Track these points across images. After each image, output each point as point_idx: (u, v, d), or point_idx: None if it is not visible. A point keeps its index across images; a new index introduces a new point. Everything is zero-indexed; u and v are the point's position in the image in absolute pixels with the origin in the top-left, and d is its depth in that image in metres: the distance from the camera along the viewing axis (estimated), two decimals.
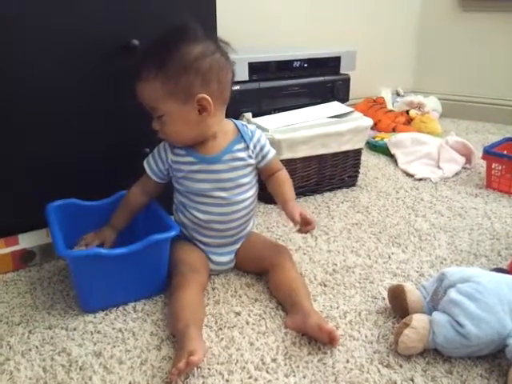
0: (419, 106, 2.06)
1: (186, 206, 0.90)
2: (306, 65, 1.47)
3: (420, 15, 2.37)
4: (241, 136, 0.89)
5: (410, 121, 1.97)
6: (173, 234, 0.80)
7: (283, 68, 1.43)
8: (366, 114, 1.97)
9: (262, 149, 0.91)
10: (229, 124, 0.90)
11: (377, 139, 1.78)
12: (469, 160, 1.61)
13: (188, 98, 0.80)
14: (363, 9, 2.12)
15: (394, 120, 1.94)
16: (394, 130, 1.89)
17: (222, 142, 0.88)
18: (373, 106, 2.04)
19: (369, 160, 1.68)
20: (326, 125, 1.33)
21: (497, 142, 1.54)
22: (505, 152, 1.53)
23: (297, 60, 1.45)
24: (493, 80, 2.28)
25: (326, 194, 1.38)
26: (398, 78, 2.38)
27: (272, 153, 0.93)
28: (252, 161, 0.90)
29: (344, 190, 1.42)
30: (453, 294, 0.74)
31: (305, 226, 0.86)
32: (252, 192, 0.92)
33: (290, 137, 1.26)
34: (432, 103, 2.16)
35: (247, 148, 0.89)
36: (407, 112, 2.02)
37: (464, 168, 1.60)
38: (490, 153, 1.45)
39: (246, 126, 0.91)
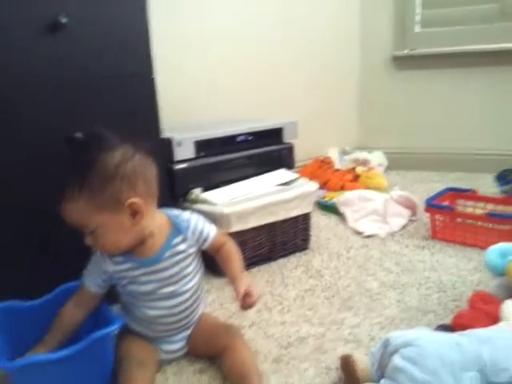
0: (365, 163, 2.17)
1: (133, 305, 0.90)
2: (250, 138, 1.54)
3: (359, 76, 2.54)
4: (177, 228, 0.89)
5: (356, 178, 2.06)
6: (114, 328, 0.79)
7: (229, 143, 1.50)
8: (316, 174, 2.07)
9: (201, 233, 0.91)
10: (162, 217, 0.90)
11: (326, 199, 1.85)
12: (414, 212, 1.69)
13: (118, 207, 0.79)
14: (305, 75, 2.26)
15: (341, 178, 2.03)
16: (342, 189, 1.96)
17: (160, 238, 0.87)
18: (321, 166, 2.13)
19: (320, 220, 1.73)
20: (273, 193, 1.39)
21: (438, 193, 1.63)
22: (446, 202, 1.62)
23: (241, 134, 1.52)
24: (431, 131, 2.44)
25: (280, 261, 1.41)
26: (344, 137, 2.51)
27: (213, 232, 0.94)
28: (193, 249, 0.91)
29: (297, 254, 1.45)
30: (396, 360, 0.77)
31: (247, 298, 0.86)
32: (197, 278, 0.93)
33: (239, 209, 1.30)
34: (377, 158, 2.27)
35: (186, 239, 0.89)
36: (354, 169, 2.12)
37: (411, 220, 1.67)
38: (431, 205, 1.54)
39: (179, 216, 0.91)
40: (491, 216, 1.41)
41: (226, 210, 1.28)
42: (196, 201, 1.34)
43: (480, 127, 2.33)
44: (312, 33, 2.25)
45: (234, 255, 0.95)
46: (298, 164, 1.99)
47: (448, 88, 2.38)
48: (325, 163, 2.16)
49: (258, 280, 1.29)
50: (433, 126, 2.44)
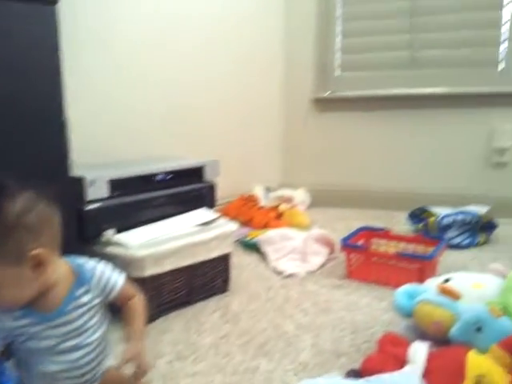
0: (289, 200, 2.21)
1: (31, 361, 0.82)
2: (169, 176, 1.51)
3: (282, 117, 2.63)
4: (80, 278, 0.83)
5: (280, 215, 2.09)
6: None
7: (146, 182, 1.46)
8: (240, 211, 2.08)
9: (106, 284, 0.86)
10: (65, 266, 0.83)
11: (249, 237, 1.85)
12: (332, 250, 1.73)
13: (20, 259, 0.72)
14: (230, 114, 2.29)
15: (266, 216, 2.05)
16: (266, 226, 1.98)
17: (62, 290, 0.81)
18: (246, 204, 2.14)
19: (242, 260, 1.72)
20: (192, 234, 1.36)
21: (353, 233, 1.69)
22: (361, 242, 1.68)
23: (160, 173, 1.49)
24: (350, 169, 2.56)
25: (198, 305, 1.37)
26: (269, 175, 2.56)
27: (120, 282, 0.87)
28: (97, 300, 0.85)
29: (217, 296, 1.42)
30: None
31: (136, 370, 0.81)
32: (102, 330, 0.86)
33: (154, 251, 1.25)
34: (300, 196, 2.33)
35: (89, 290, 0.84)
36: (278, 206, 2.15)
37: (329, 259, 1.71)
38: (346, 245, 1.58)
39: (84, 265, 0.85)
40: (401, 255, 1.48)
41: (140, 253, 1.23)
42: (108, 243, 1.27)
43: (394, 166, 2.49)
44: (235, 74, 2.30)
45: (137, 314, 0.89)
46: (223, 201, 1.99)
47: (365, 129, 2.53)
48: (250, 200, 2.18)
49: (174, 327, 1.24)
50: (352, 165, 2.56)
